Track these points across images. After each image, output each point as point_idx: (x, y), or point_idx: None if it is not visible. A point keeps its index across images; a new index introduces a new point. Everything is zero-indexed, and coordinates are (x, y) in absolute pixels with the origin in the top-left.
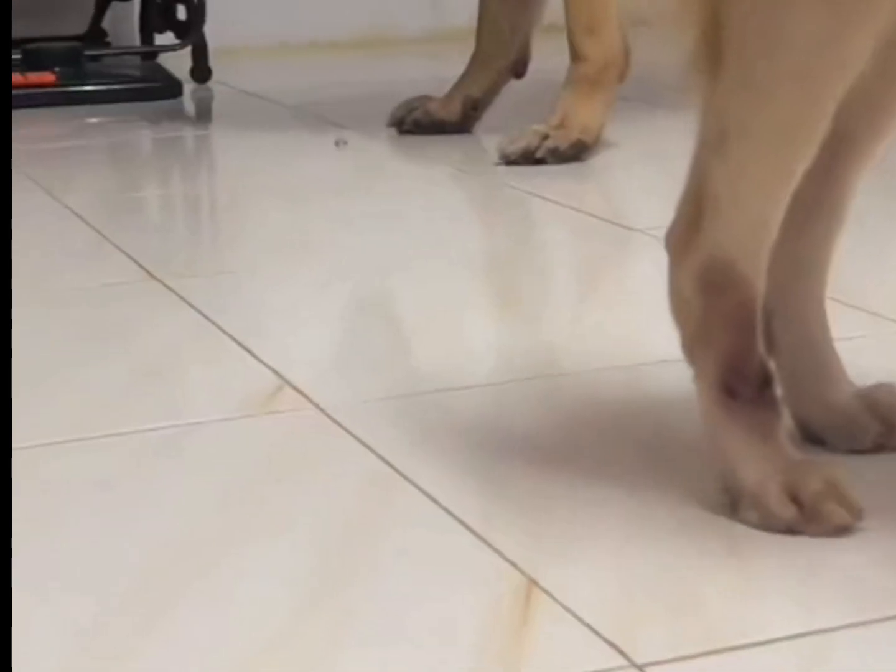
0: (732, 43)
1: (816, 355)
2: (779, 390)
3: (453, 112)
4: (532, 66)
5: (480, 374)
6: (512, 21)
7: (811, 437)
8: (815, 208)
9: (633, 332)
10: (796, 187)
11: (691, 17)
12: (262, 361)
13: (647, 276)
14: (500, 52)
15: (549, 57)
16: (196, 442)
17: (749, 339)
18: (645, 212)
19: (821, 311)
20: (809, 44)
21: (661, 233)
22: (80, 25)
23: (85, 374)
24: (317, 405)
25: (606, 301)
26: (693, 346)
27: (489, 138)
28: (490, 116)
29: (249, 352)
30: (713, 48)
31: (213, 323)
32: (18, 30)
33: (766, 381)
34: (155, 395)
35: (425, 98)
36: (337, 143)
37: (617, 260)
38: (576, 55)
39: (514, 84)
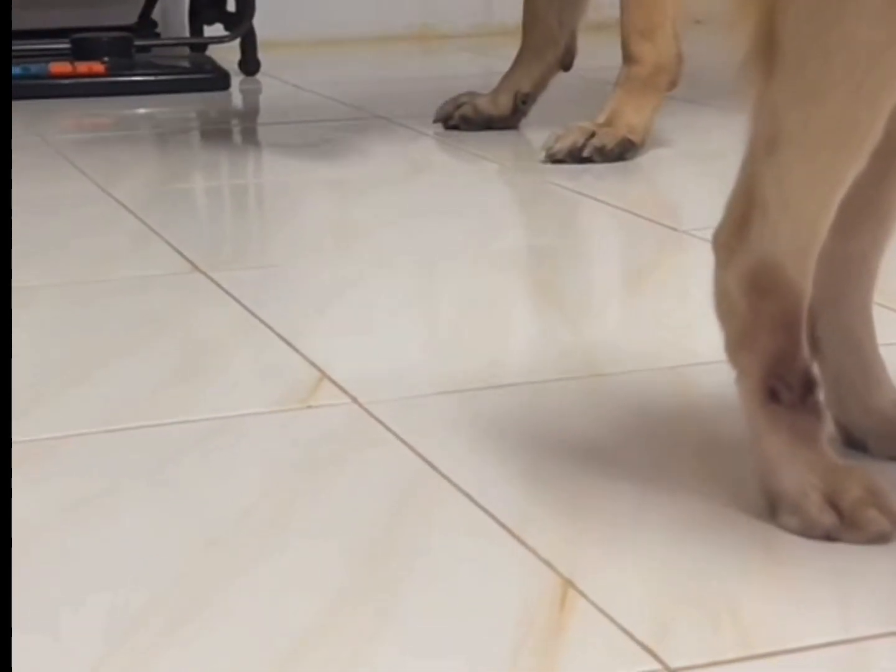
0: (787, 46)
1: (861, 360)
2: (822, 395)
3: (503, 107)
4: (579, 64)
5: (522, 373)
6: (559, 14)
7: (853, 442)
8: (864, 213)
9: (677, 333)
10: (846, 192)
11: (747, 19)
12: (303, 355)
13: (693, 277)
14: (548, 46)
15: (597, 56)
16: (235, 435)
17: (794, 343)
18: (691, 212)
19: (867, 315)
20: (864, 49)
21: (708, 234)
22: (130, 16)
23: (127, 366)
24: (357, 400)
25: (651, 301)
26: (737, 348)
27: (535, 135)
28: (536, 114)
29: (291, 345)
30: (768, 51)
31: (256, 316)
32: (68, 19)
33: (809, 386)
34: (196, 387)
35: (473, 94)
36: None
37: (662, 260)
38: (629, 57)
39: (560, 81)
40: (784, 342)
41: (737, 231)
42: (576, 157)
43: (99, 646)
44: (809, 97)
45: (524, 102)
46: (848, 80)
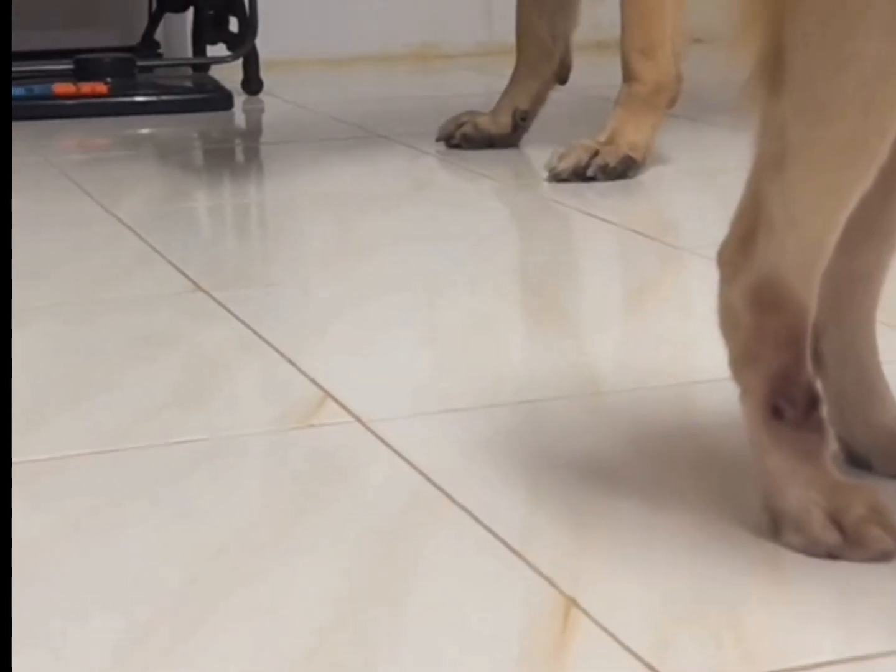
0: (795, 63)
1: (864, 377)
2: (825, 412)
3: (503, 125)
4: (579, 83)
5: (524, 391)
6: (551, 28)
7: (856, 459)
8: (869, 231)
9: (680, 351)
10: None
11: (754, 36)
12: (305, 374)
13: (695, 294)
14: (543, 61)
15: (597, 74)
16: (237, 454)
17: (797, 360)
18: (693, 230)
19: (870, 333)
20: (873, 68)
21: (710, 252)
22: (133, 37)
23: (129, 385)
24: (359, 419)
25: (653, 319)
26: (741, 364)
27: (537, 153)
28: (537, 132)
29: (293, 364)
30: (775, 68)
31: (258, 335)
32: (71, 40)
33: (813, 403)
34: (198, 406)
35: (474, 113)
36: None
37: (664, 278)
38: (629, 75)
39: (560, 99)
40: (788, 359)
41: (742, 247)
42: (580, 175)
43: (103, 661)
44: (817, 114)
45: (523, 119)
46: (857, 98)
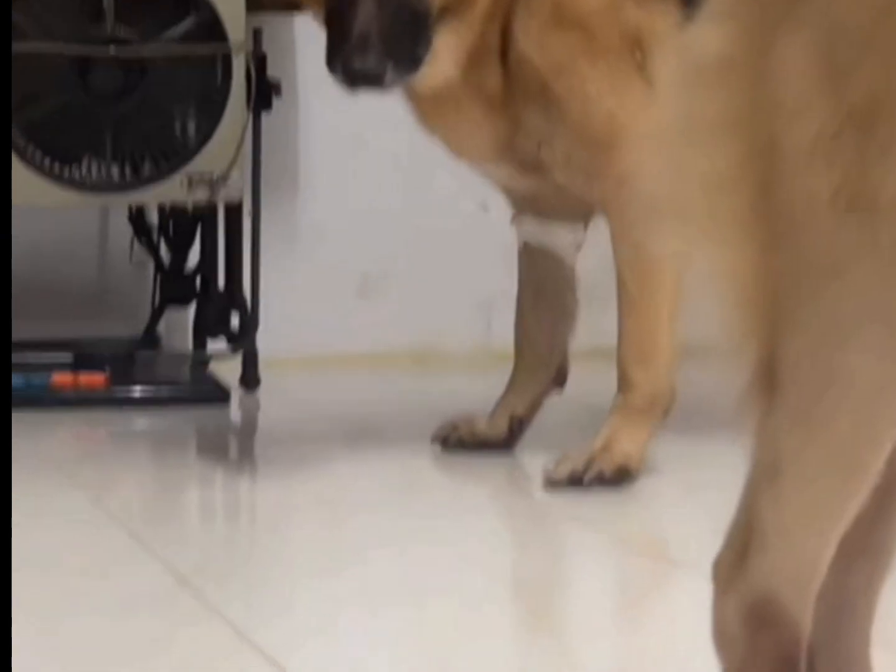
0: (789, 378)
1: None
2: None
3: (499, 430)
4: (575, 390)
5: None
6: (549, 336)
7: None
8: (863, 548)
9: (673, 667)
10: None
11: (749, 350)
12: None
13: (689, 610)
14: (541, 366)
15: (592, 381)
16: None
17: None
18: (687, 544)
19: (865, 653)
20: (867, 384)
21: (704, 567)
22: (135, 329)
23: None
24: None
25: (647, 635)
26: None
27: (531, 458)
28: (531, 436)
29: (281, 668)
30: (769, 382)
31: (245, 637)
32: (73, 331)
33: None
34: None
35: (470, 416)
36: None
37: (658, 593)
38: (625, 384)
39: (555, 406)
40: None
41: (736, 561)
42: (575, 482)
43: None
44: (809, 427)
45: (520, 425)
46: (849, 413)
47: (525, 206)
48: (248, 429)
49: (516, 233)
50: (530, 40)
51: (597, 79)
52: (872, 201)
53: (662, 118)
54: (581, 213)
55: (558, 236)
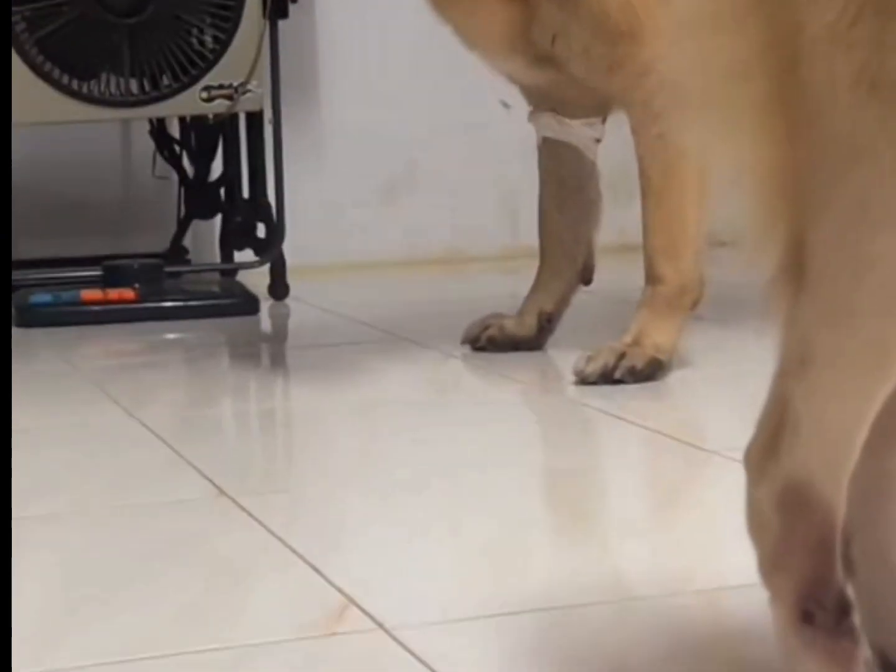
0: (816, 265)
1: None
2: (857, 618)
3: (529, 328)
4: (602, 286)
5: (552, 597)
6: (574, 230)
7: (891, 667)
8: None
9: (709, 556)
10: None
11: (777, 238)
12: (329, 581)
13: (724, 497)
14: (567, 263)
15: (620, 277)
16: (259, 663)
17: (828, 564)
18: (721, 432)
19: None
20: (895, 271)
21: (737, 454)
22: (162, 243)
23: (151, 592)
24: (383, 626)
25: (682, 523)
26: (770, 568)
27: (562, 355)
28: (561, 334)
29: (317, 570)
30: (797, 269)
31: (282, 541)
32: (100, 247)
33: (844, 609)
34: (221, 614)
35: (499, 315)
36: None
37: (693, 481)
38: (652, 277)
39: (583, 302)
40: (818, 563)
41: (768, 449)
42: (607, 378)
43: None
44: (839, 317)
45: (549, 321)
46: (879, 299)
47: (542, 101)
48: (279, 337)
49: (535, 129)
50: None
51: None
52: (893, 84)
53: (682, 8)
54: (598, 108)
55: (576, 131)
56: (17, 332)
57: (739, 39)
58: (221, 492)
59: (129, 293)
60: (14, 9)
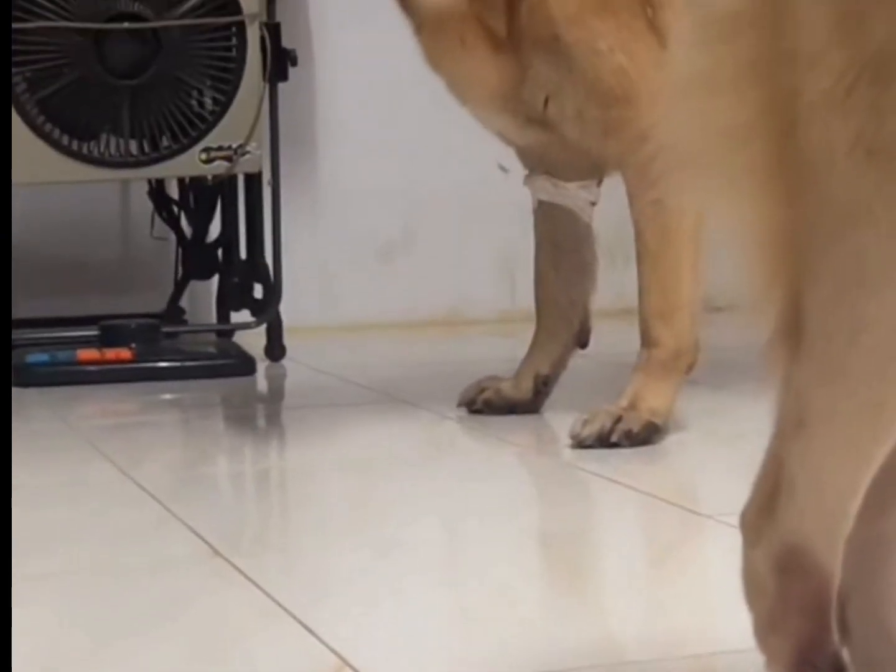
0: (813, 327)
1: (892, 649)
2: None
3: (525, 391)
4: (599, 349)
5: (542, 660)
6: (569, 293)
7: None
8: (890, 494)
9: (704, 619)
10: (874, 472)
11: (774, 300)
12: (322, 641)
13: (719, 561)
14: (563, 326)
15: (616, 340)
16: None
17: (823, 628)
18: (717, 496)
19: None
20: (890, 332)
21: (732, 518)
22: (158, 303)
23: (144, 652)
24: None
25: (677, 587)
26: (766, 631)
27: (557, 418)
28: (557, 397)
29: (311, 630)
30: (794, 331)
31: (276, 601)
32: (97, 307)
33: None
34: None
35: (496, 378)
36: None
37: (688, 545)
38: (648, 340)
39: (580, 365)
40: (814, 626)
41: (764, 511)
42: (604, 441)
43: None
44: (836, 377)
45: (545, 384)
46: (874, 361)
47: (537, 164)
48: (275, 398)
49: (530, 192)
50: None
51: (608, 34)
52: (891, 151)
53: (679, 72)
54: (593, 170)
55: (572, 194)
56: (13, 392)
57: (737, 103)
58: (215, 552)
59: (125, 353)
60: (15, 69)
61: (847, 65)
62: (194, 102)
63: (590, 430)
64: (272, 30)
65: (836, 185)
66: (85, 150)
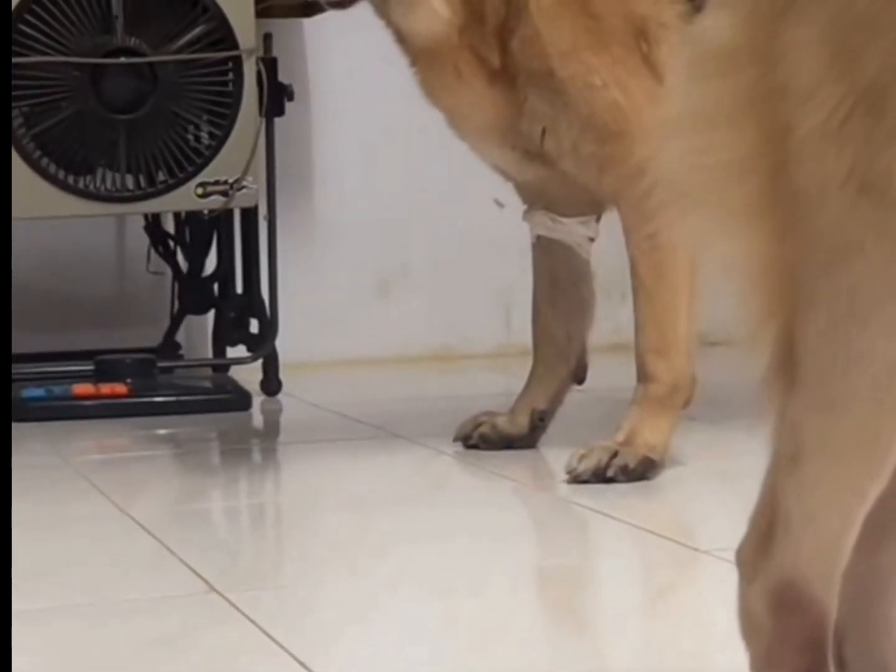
0: (807, 362)
1: None
2: None
3: (521, 426)
4: (595, 384)
5: None
6: (566, 329)
7: None
8: (886, 528)
9: (700, 656)
10: (870, 507)
11: (767, 336)
12: None
13: (715, 597)
14: (560, 361)
15: (613, 375)
16: None
17: (820, 663)
18: (712, 532)
19: (894, 635)
20: (883, 366)
21: (729, 554)
22: (154, 338)
23: None
24: None
25: (673, 623)
26: (762, 667)
27: (553, 453)
28: (553, 432)
29: (306, 667)
30: (787, 366)
31: (271, 637)
32: (92, 341)
33: None
34: None
35: (492, 413)
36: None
37: (683, 581)
38: (644, 375)
39: (575, 400)
40: (810, 662)
41: (760, 547)
42: (600, 477)
43: None
44: (830, 411)
45: (541, 419)
46: (868, 395)
47: (535, 199)
48: (271, 433)
49: (529, 227)
50: (544, 17)
51: (602, 69)
52: (883, 185)
53: (674, 108)
54: (591, 206)
55: (570, 229)
56: None
57: (732, 139)
58: (211, 587)
59: (121, 388)
60: (12, 104)
61: (840, 99)
62: (191, 137)
63: (586, 465)
64: (269, 64)
65: (828, 219)
66: (81, 185)
